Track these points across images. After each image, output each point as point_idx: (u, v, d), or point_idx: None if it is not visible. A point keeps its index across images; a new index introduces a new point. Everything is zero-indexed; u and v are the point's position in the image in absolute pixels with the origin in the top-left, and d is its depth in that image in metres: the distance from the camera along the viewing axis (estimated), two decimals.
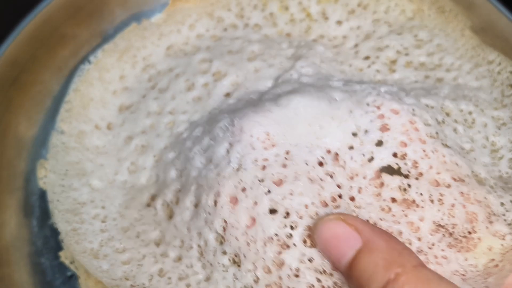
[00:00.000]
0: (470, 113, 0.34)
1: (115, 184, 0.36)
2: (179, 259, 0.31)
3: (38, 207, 0.37)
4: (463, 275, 0.26)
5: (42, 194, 0.38)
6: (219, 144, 0.30)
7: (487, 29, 0.39)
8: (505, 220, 0.28)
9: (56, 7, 0.39)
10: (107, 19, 0.42)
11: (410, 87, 0.36)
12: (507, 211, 0.29)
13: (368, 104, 0.30)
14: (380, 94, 0.31)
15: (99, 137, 0.38)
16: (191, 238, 0.30)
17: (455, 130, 0.32)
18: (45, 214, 0.37)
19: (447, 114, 0.33)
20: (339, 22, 0.41)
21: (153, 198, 0.34)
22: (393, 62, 0.38)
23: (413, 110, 0.30)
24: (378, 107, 0.30)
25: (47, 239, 0.37)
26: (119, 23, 0.42)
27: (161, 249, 0.32)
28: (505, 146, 0.32)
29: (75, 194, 0.35)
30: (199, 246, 0.29)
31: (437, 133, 0.30)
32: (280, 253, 0.26)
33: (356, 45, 0.40)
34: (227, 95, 0.37)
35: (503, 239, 0.27)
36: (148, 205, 0.34)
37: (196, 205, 0.30)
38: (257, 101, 0.32)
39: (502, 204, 0.29)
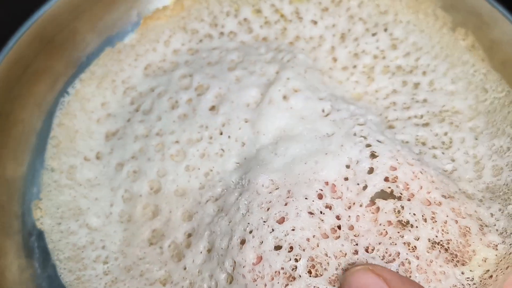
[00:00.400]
0: (445, 134, 0.34)
1: (113, 217, 0.35)
2: None
3: (37, 248, 0.37)
4: None
5: (40, 234, 0.37)
6: (230, 194, 0.32)
7: (458, 6, 0.39)
8: (496, 230, 0.30)
9: (26, 42, 0.38)
10: (79, 47, 0.41)
11: (390, 101, 0.36)
12: (497, 220, 0.30)
13: (355, 134, 0.32)
14: (367, 123, 0.33)
15: (90, 169, 0.37)
16: (203, 279, 0.31)
17: (434, 156, 0.33)
18: (45, 253, 0.36)
19: (423, 144, 0.34)
20: (313, 22, 0.41)
21: (156, 236, 0.34)
22: (371, 69, 0.38)
23: (394, 142, 0.32)
24: (365, 137, 0.32)
25: (52, 279, 0.36)
26: (92, 50, 0.41)
27: None
28: (485, 155, 0.33)
29: (74, 238, 0.35)
30: (209, 287, 0.30)
31: (419, 160, 0.31)
32: (287, 285, 0.27)
33: (333, 48, 0.39)
34: (212, 108, 0.37)
35: (496, 249, 0.28)
36: (151, 243, 0.34)
37: (209, 250, 0.31)
38: (259, 155, 0.34)
39: (491, 215, 0.30)
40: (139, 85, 0.40)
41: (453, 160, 0.33)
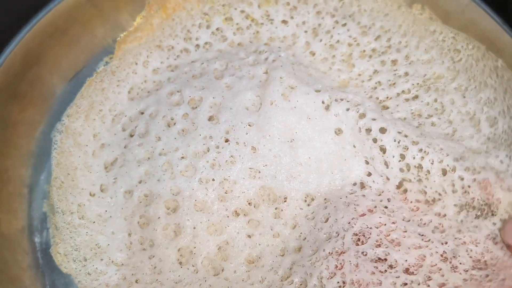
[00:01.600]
0: (435, 100, 0.37)
1: (134, 247, 0.35)
2: None
3: None
4: (494, 238, 0.32)
5: (53, 283, 0.36)
6: (266, 210, 0.36)
7: None
8: (511, 174, 0.33)
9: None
10: (46, 91, 0.39)
11: (375, 81, 0.39)
12: (508, 165, 0.34)
13: (360, 131, 0.35)
14: (367, 114, 0.36)
15: (98, 204, 0.36)
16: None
17: (433, 124, 0.36)
18: None
19: (419, 115, 0.37)
20: (284, 22, 0.42)
21: (184, 254, 0.34)
22: (349, 56, 0.40)
23: (395, 124, 0.35)
24: (369, 130, 0.35)
25: None
26: (62, 90, 0.40)
27: None
28: (477, 109, 0.36)
29: (105, 278, 0.34)
30: None
31: (422, 134, 0.34)
32: (337, 259, 0.31)
33: (308, 44, 0.41)
34: (211, 118, 0.37)
35: None
36: (181, 262, 0.34)
37: (251, 261, 0.34)
38: (281, 165, 0.36)
39: (501, 162, 0.34)
40: (127, 110, 0.40)
41: (450, 122, 0.36)
